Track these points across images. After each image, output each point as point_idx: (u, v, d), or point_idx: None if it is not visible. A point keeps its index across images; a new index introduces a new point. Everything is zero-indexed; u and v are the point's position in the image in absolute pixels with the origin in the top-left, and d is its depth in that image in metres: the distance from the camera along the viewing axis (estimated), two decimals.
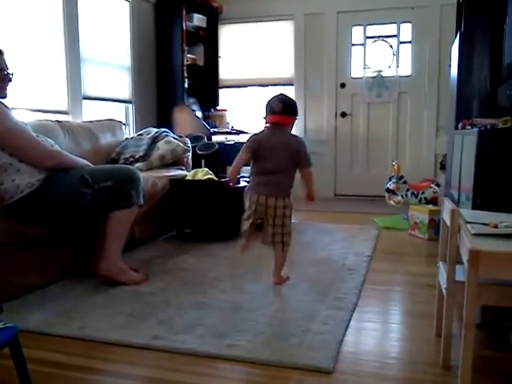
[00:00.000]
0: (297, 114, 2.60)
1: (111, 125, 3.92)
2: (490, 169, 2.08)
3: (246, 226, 2.52)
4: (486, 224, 1.54)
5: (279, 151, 2.44)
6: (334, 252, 3.15)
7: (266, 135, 2.52)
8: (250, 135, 2.62)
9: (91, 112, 4.24)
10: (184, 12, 4.92)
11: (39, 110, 3.62)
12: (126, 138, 3.97)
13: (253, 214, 2.47)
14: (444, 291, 1.69)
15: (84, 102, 4.08)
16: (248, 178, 2.62)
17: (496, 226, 1.51)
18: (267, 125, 2.56)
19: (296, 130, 5.64)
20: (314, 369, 1.63)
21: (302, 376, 1.60)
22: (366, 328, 2.02)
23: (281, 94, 2.61)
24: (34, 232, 2.41)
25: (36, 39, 3.59)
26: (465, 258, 1.41)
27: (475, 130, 2.22)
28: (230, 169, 2.63)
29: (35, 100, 3.59)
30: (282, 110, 2.49)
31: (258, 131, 2.61)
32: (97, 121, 3.81)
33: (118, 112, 4.75)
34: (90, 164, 2.65)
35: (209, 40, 5.57)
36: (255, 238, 2.55)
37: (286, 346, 1.78)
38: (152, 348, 1.80)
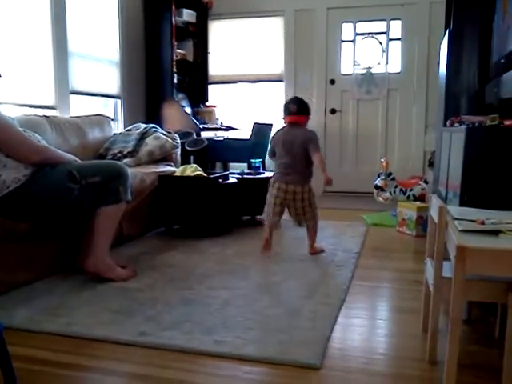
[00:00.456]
0: (309, 113, 3.04)
1: (99, 120, 3.89)
2: (477, 166, 2.09)
3: (270, 218, 2.92)
4: (473, 221, 1.55)
5: (296, 145, 2.87)
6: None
7: (283, 133, 2.98)
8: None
9: (79, 107, 4.20)
10: (173, 7, 4.88)
11: (26, 105, 3.58)
12: (115, 134, 3.94)
13: (277, 204, 2.89)
14: (431, 287, 1.70)
15: (72, 96, 4.04)
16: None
17: (483, 223, 1.52)
18: (285, 124, 3.01)
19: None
20: (301, 365, 1.64)
21: (289, 372, 1.60)
22: (353, 324, 2.02)
23: (295, 97, 3.12)
24: (21, 228, 2.38)
25: (23, 33, 3.54)
26: (452, 254, 1.42)
27: (463, 127, 2.23)
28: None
29: (22, 94, 3.55)
30: (296, 111, 2.94)
31: (278, 129, 3.10)
32: (85, 116, 3.78)
33: (106, 107, 4.71)
34: (77, 159, 2.63)
35: (198, 35, 5.54)
36: (279, 226, 3.08)
37: (273, 343, 1.78)
38: (139, 344, 1.79)
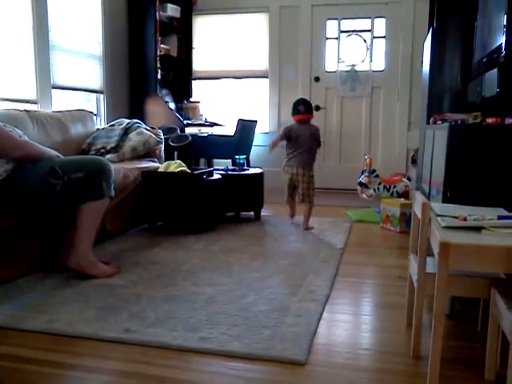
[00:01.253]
0: (312, 112, 3.80)
1: (82, 115, 3.84)
2: (460, 163, 2.12)
3: (287, 199, 3.74)
4: (455, 217, 1.57)
5: (305, 137, 3.61)
6: (306, 245, 3.17)
7: (295, 126, 3.67)
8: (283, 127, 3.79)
9: (61, 102, 4.14)
10: (157, 1, 4.84)
11: (6, 99, 3.52)
12: (97, 129, 3.90)
13: (289, 185, 3.63)
14: (415, 283, 1.72)
15: (53, 91, 3.98)
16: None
17: (465, 219, 1.53)
18: (294, 121, 3.70)
19: (270, 122, 5.65)
20: (287, 361, 1.64)
21: (275, 368, 1.61)
22: (338, 320, 2.03)
23: (302, 99, 3.82)
24: (2, 224, 2.34)
25: (2, 25, 3.48)
26: (435, 250, 1.43)
27: (446, 125, 2.25)
28: (269, 142, 3.77)
29: (2, 88, 3.49)
30: (304, 111, 3.69)
31: (288, 125, 3.74)
32: (67, 111, 3.73)
33: (88, 103, 4.66)
34: (59, 155, 2.60)
35: (183, 31, 5.51)
36: (295, 203, 3.77)
37: (259, 339, 1.78)
38: (124, 341, 1.78)
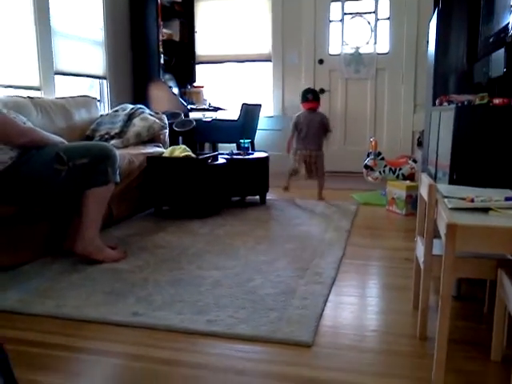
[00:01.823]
0: (319, 100, 4.26)
1: (85, 101, 3.83)
2: (466, 144, 2.10)
3: (293, 164, 4.15)
4: (462, 198, 1.56)
5: (313, 123, 4.09)
6: (312, 228, 3.17)
7: (304, 114, 4.15)
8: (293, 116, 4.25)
9: (64, 88, 4.13)
10: None
11: (9, 86, 3.51)
12: (101, 115, 3.89)
13: (300, 159, 4.11)
14: (421, 265, 1.72)
15: (56, 77, 3.96)
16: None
17: (472, 201, 1.52)
18: (303, 109, 4.18)
19: (274, 106, 5.61)
20: (293, 343, 1.65)
21: (281, 350, 1.61)
22: (344, 302, 2.04)
23: (309, 88, 4.34)
24: (7, 211, 2.35)
25: (4, 11, 3.45)
26: (442, 231, 1.42)
27: (452, 106, 2.23)
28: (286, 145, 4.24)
29: (5, 75, 3.48)
30: (313, 99, 4.14)
31: (298, 114, 4.20)
32: (70, 97, 3.72)
33: (92, 89, 4.64)
34: (64, 141, 2.59)
35: (185, 15, 5.45)
36: (296, 175, 4.22)
37: (265, 321, 1.79)
38: (131, 325, 1.79)
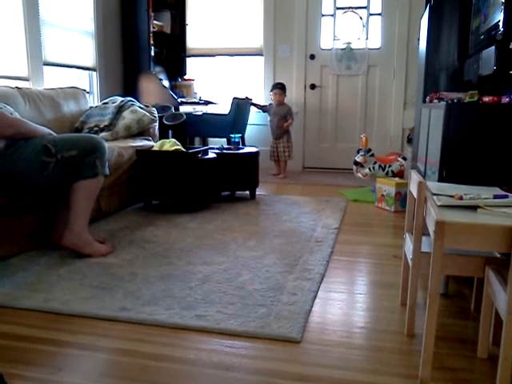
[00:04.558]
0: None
1: (74, 93, 3.79)
2: (456, 142, 2.11)
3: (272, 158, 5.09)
4: (451, 196, 1.57)
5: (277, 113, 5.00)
6: (302, 224, 3.17)
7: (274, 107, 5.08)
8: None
9: (53, 79, 4.08)
10: None
11: None
12: (91, 107, 3.85)
13: (272, 153, 5.09)
14: (410, 262, 1.73)
15: (45, 68, 3.91)
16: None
17: (461, 198, 1.53)
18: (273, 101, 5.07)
19: (265, 101, 5.60)
20: (282, 338, 1.65)
21: (270, 346, 1.62)
22: (333, 298, 2.04)
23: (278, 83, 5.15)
24: None
25: None
26: (431, 228, 1.43)
27: (443, 103, 2.24)
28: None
29: None
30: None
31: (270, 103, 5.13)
32: (59, 88, 3.67)
33: (81, 80, 4.59)
34: (52, 133, 2.56)
35: (176, 7, 5.41)
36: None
37: (254, 317, 1.79)
38: (119, 320, 1.78)
